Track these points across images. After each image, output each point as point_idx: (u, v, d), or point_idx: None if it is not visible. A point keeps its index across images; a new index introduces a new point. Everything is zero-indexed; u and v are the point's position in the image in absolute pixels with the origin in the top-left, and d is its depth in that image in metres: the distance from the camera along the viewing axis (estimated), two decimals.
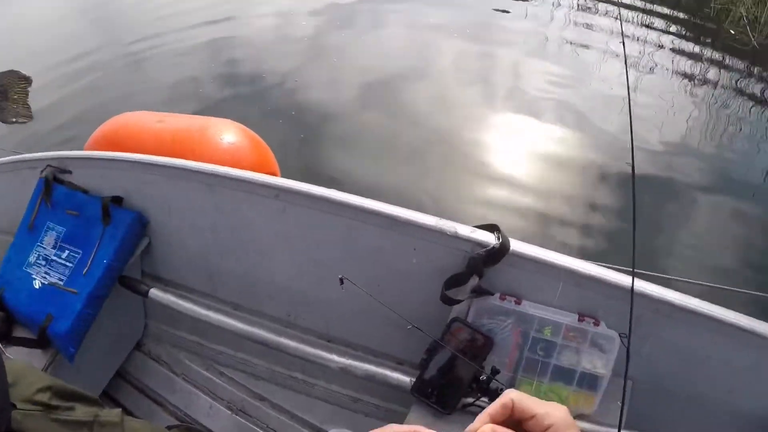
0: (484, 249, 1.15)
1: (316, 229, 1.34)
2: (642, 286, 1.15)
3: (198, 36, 4.67)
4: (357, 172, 3.07)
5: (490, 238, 1.16)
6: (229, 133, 1.87)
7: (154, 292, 1.51)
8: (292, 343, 1.40)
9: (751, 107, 3.78)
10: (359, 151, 3.30)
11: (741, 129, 3.59)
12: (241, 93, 3.92)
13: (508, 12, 4.87)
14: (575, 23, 4.79)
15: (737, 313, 1.26)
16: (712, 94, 3.91)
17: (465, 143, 3.32)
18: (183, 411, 1.67)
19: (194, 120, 2.10)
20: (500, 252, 1.13)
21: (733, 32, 4.56)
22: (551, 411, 0.54)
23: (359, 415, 1.55)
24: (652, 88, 3.84)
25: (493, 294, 1.19)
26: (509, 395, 0.55)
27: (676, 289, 1.22)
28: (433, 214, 1.23)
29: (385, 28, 4.69)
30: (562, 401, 1.22)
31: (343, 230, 1.29)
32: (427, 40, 4.44)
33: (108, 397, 1.69)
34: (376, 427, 0.56)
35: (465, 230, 1.18)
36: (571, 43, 4.47)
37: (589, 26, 4.73)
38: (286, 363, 1.59)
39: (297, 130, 3.46)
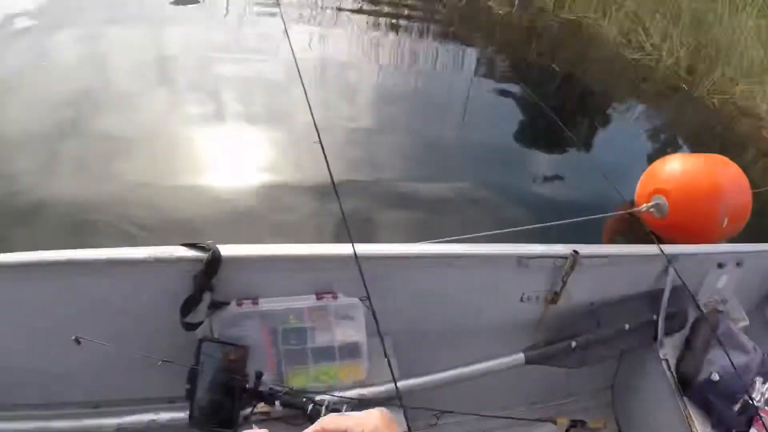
0: (202, 263, 1.13)
1: (35, 298, 1.21)
2: (365, 249, 1.23)
3: None
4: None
5: (203, 252, 1.15)
6: None
7: None
8: (56, 425, 1.26)
9: None
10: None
11: None
12: None
13: None
14: None
15: (456, 245, 1.42)
16: None
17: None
18: None
19: None
20: (214, 262, 1.12)
21: None
22: (363, 420, 0.57)
23: None
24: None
25: (229, 303, 1.18)
26: (321, 423, 0.57)
27: None
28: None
29: None
30: (334, 377, 1.27)
31: (62, 291, 1.18)
32: None
33: None
34: None
35: (181, 251, 1.15)
36: None
37: None
38: None
39: None
